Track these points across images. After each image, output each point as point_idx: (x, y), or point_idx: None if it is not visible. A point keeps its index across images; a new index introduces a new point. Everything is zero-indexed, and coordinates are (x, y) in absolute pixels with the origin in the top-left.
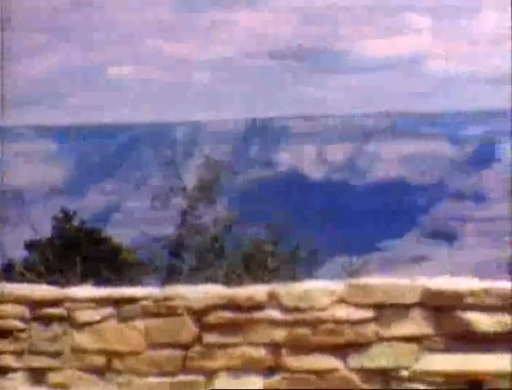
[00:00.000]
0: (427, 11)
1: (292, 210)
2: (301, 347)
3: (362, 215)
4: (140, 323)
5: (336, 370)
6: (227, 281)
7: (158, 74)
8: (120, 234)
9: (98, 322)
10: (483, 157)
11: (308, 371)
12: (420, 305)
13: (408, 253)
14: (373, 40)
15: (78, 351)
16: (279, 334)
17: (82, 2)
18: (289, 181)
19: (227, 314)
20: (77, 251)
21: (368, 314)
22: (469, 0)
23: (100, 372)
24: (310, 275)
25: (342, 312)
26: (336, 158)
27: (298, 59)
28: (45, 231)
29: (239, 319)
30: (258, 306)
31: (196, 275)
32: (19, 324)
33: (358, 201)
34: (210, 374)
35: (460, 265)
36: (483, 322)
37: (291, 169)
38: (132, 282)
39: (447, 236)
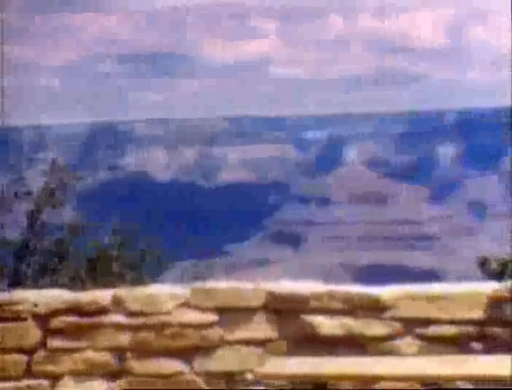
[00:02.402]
0: (274, 16)
1: (139, 213)
2: (146, 351)
3: (208, 218)
4: None
5: (181, 373)
6: (72, 285)
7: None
8: None
9: None
10: (328, 160)
11: (153, 375)
12: (264, 308)
13: (253, 257)
14: (220, 44)
15: None
16: (124, 338)
17: None
18: (136, 184)
19: (72, 319)
20: None
21: (213, 317)
22: (315, 4)
23: None
24: (155, 279)
25: (187, 316)
26: (183, 161)
27: (145, 63)
28: None
29: (83, 324)
30: (103, 311)
31: (41, 280)
32: None
33: (205, 205)
34: (55, 378)
35: (305, 268)
36: (327, 325)
37: (138, 172)
38: None
39: (292, 240)
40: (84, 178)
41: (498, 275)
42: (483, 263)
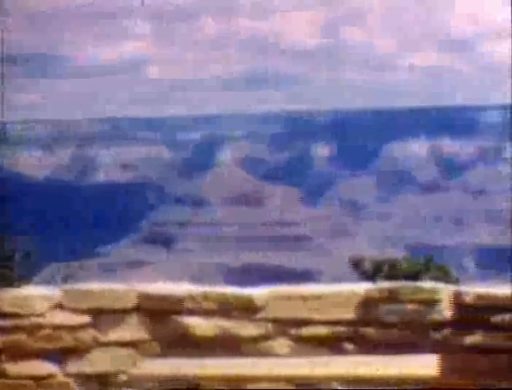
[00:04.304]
0: (148, 16)
1: (11, 212)
2: (18, 353)
3: (83, 219)
4: None
5: (53, 375)
6: None
7: None
8: None
9: None
10: (201, 161)
11: (26, 377)
12: (137, 310)
13: (126, 258)
14: (94, 45)
15: None
16: None
17: None
18: (9, 184)
19: None
20: None
21: (85, 319)
22: (189, 4)
23: None
24: (27, 280)
25: (60, 317)
26: (58, 162)
27: (20, 64)
28: None
29: None
30: None
31: None
32: None
33: (80, 205)
34: None
35: (178, 269)
36: (201, 326)
37: (11, 172)
38: None
39: (165, 241)
40: None
41: (372, 276)
42: (356, 264)
